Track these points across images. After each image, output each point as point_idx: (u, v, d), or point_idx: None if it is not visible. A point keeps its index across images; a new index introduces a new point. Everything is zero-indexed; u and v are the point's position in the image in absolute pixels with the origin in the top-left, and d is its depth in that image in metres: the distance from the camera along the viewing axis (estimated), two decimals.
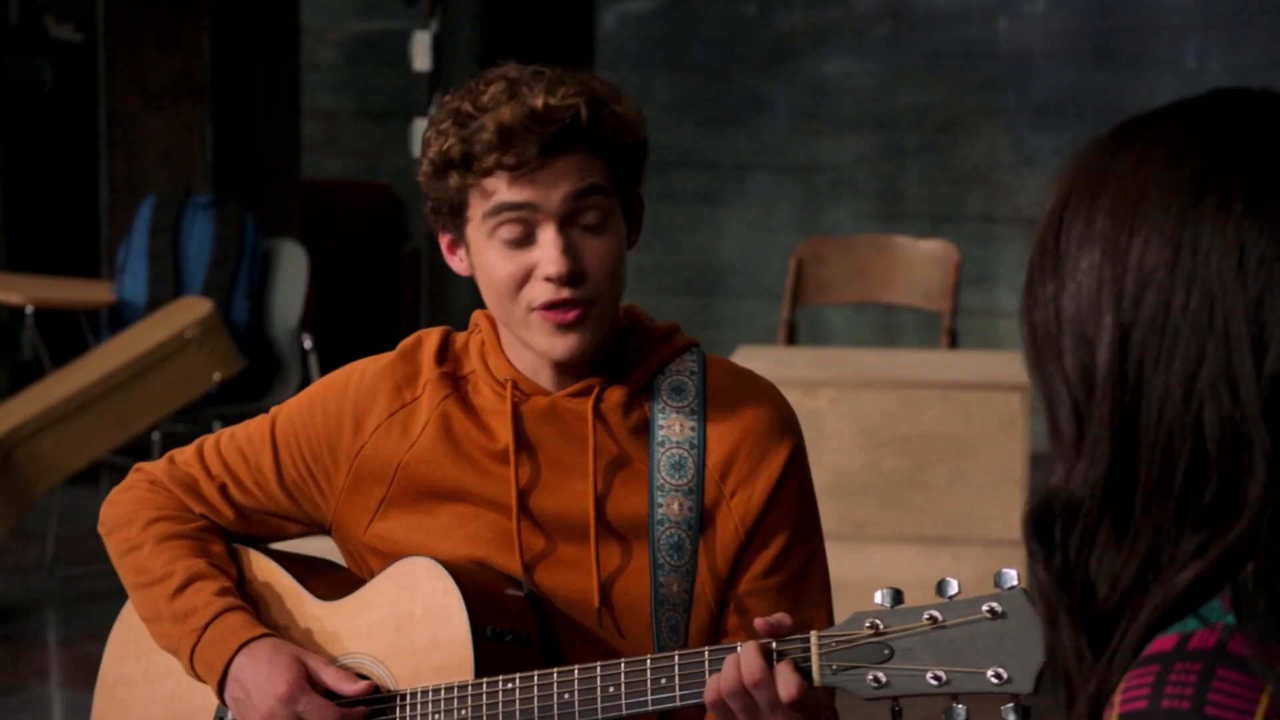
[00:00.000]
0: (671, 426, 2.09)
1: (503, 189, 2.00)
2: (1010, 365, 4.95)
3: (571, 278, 2.01)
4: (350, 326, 7.71)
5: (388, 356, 2.17)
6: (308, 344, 5.80)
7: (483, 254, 2.04)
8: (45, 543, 5.81)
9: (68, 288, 6.43)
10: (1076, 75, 7.56)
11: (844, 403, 4.66)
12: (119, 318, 5.96)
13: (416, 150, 6.43)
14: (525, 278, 2.02)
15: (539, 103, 1.98)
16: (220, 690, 2.09)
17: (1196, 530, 1.16)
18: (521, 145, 1.98)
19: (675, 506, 2.07)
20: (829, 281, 5.98)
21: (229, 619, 2.10)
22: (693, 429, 2.09)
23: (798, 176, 7.95)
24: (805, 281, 5.96)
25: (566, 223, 2.01)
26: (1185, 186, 1.17)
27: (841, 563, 4.84)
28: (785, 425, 2.12)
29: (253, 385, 5.72)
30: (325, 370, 5.88)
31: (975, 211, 7.76)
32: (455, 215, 2.05)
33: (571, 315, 2.02)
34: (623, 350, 2.10)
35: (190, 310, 5.50)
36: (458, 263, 2.10)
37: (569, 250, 2.01)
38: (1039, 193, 7.58)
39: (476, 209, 2.03)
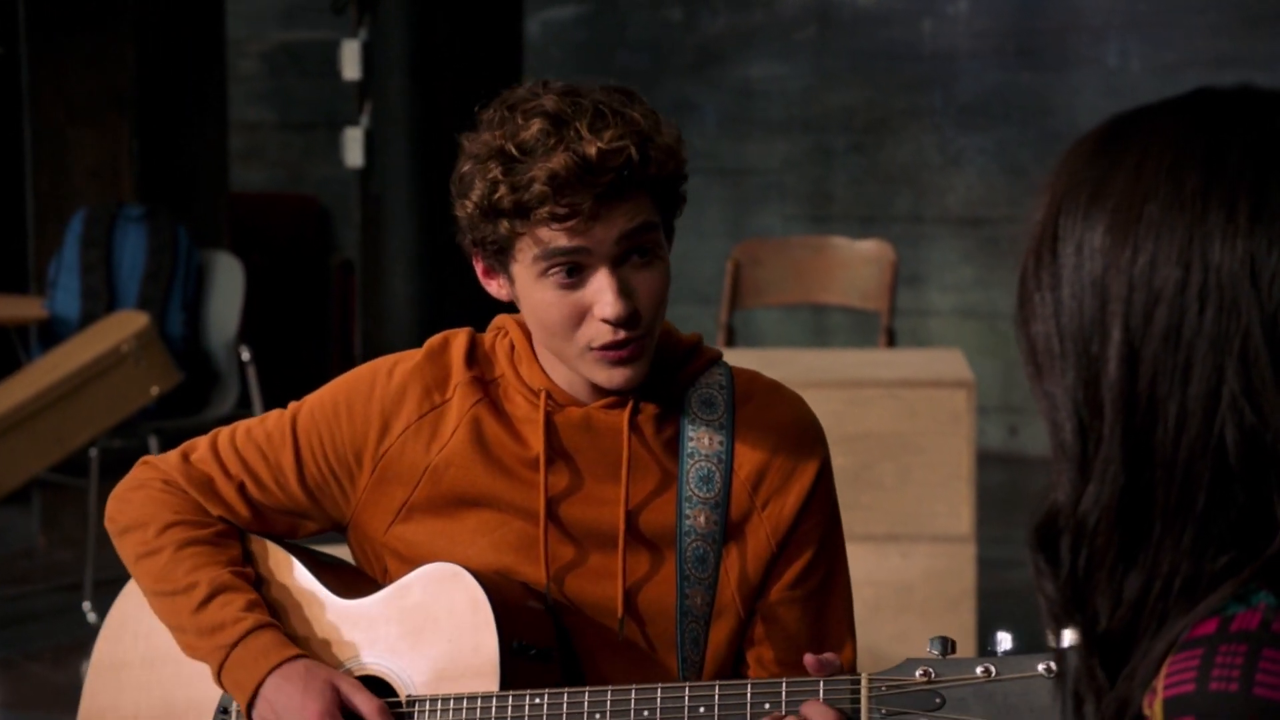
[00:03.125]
0: (701, 439, 2.09)
1: (555, 236, 1.99)
2: (955, 362, 4.97)
3: (628, 319, 2.00)
4: (279, 339, 7.64)
5: (415, 356, 2.16)
6: (245, 356, 5.74)
7: (532, 293, 2.03)
8: None
9: None
10: (1001, 75, 7.62)
11: None
12: (51, 333, 5.88)
13: (349, 160, 6.42)
14: (580, 318, 2.02)
15: (591, 151, 1.95)
16: (249, 708, 2.08)
17: (1223, 548, 1.15)
18: (574, 195, 1.96)
19: (701, 519, 2.08)
20: (766, 283, 5.99)
21: (260, 638, 2.09)
22: (721, 443, 2.09)
23: (726, 180, 7.97)
24: (742, 284, 5.97)
25: (618, 262, 2.01)
26: (1188, 201, 1.16)
27: None
28: (815, 437, 2.14)
29: (190, 399, 5.66)
30: (264, 383, 5.83)
31: (903, 212, 7.80)
32: (500, 253, 2.04)
33: (627, 353, 2.02)
34: (656, 363, 2.09)
35: (126, 324, 5.44)
36: (495, 288, 2.10)
37: (623, 291, 2.00)
38: (965, 192, 7.64)
39: (526, 252, 2.01)
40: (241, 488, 2.16)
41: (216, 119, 6.96)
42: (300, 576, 2.15)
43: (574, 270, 2.00)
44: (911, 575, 4.64)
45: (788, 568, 2.10)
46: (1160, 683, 1.14)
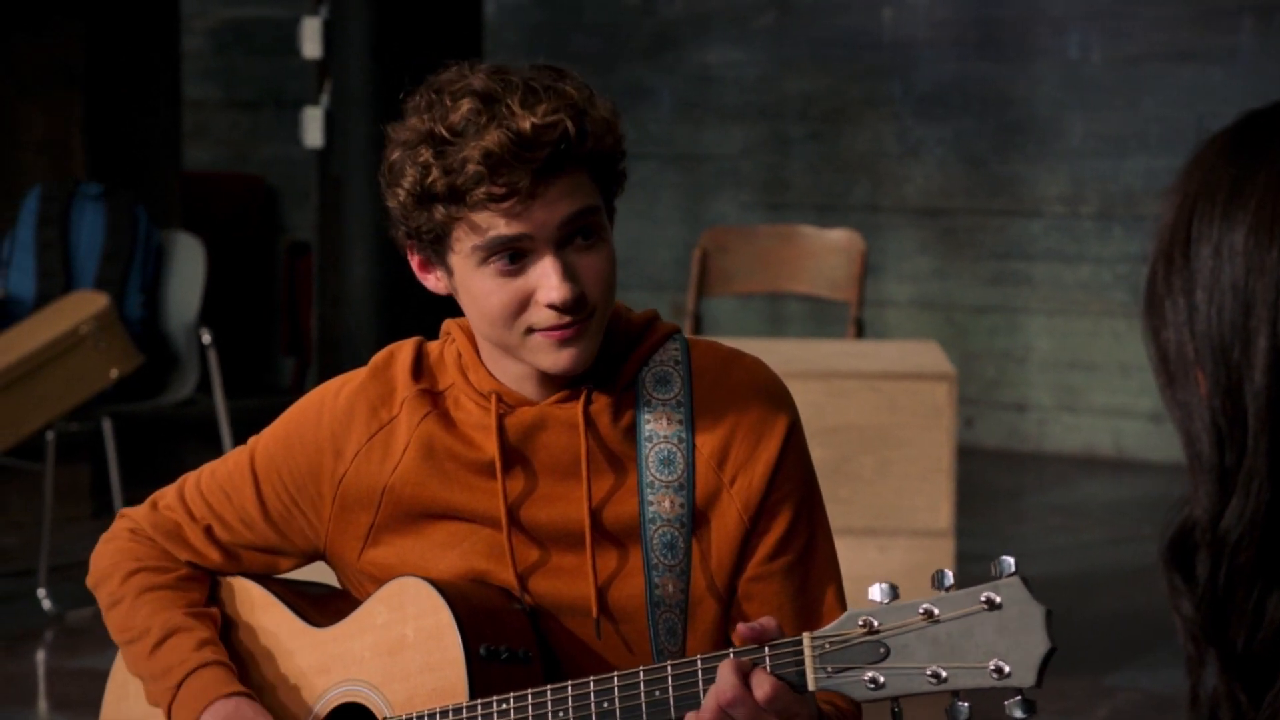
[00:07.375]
0: (658, 421, 2.02)
1: (494, 222, 1.92)
2: (934, 355, 4.94)
3: (574, 304, 1.93)
4: (224, 322, 7.52)
5: (360, 375, 2.10)
6: (206, 339, 5.63)
7: (471, 283, 1.96)
8: None
9: None
10: (960, 65, 7.59)
11: None
12: (5, 313, 5.75)
13: (308, 140, 6.31)
14: (523, 304, 1.94)
15: (525, 125, 1.88)
16: None
17: None
18: (511, 174, 1.89)
19: (666, 504, 2.00)
20: (733, 272, 5.94)
21: (201, 676, 2.05)
22: (680, 422, 2.02)
23: (682, 166, 7.91)
24: (709, 272, 5.91)
25: (561, 246, 1.93)
26: None
27: None
28: (779, 399, 2.05)
29: (148, 383, 5.54)
30: (224, 366, 5.72)
31: (860, 201, 7.77)
32: (436, 243, 1.97)
33: (572, 331, 1.94)
34: (609, 348, 2.02)
35: (85, 305, 5.31)
36: (433, 281, 2.03)
37: (568, 274, 1.92)
38: (924, 182, 7.62)
39: (464, 241, 1.94)
40: (208, 530, 2.13)
41: (169, 96, 6.84)
42: (274, 611, 2.13)
43: (516, 257, 1.93)
44: (889, 570, 4.58)
45: (761, 541, 2.00)
46: None
